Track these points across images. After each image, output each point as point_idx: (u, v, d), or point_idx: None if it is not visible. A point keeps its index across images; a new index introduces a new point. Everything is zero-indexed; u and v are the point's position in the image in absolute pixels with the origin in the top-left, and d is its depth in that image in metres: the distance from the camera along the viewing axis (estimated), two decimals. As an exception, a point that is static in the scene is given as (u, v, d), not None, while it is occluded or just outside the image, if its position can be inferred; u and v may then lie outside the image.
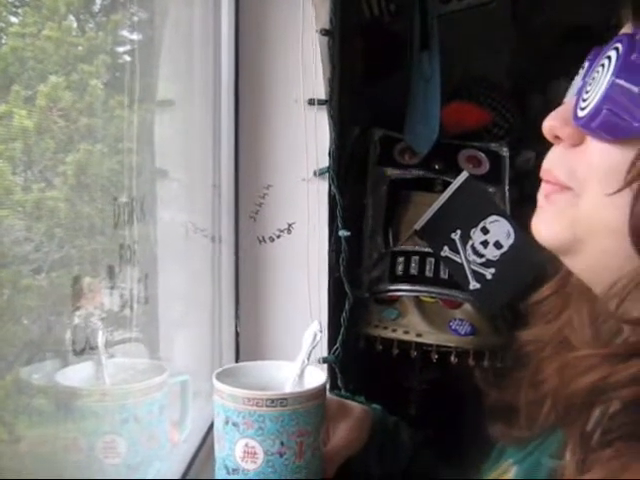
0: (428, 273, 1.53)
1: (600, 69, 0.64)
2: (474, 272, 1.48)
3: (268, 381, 0.89)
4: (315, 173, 1.30)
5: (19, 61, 0.69)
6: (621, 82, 0.61)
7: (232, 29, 1.29)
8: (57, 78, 0.75)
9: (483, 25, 1.84)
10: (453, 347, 1.47)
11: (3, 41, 0.68)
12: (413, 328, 1.48)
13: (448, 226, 1.49)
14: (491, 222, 1.48)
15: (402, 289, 1.53)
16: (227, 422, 0.81)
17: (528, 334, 0.80)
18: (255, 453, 0.80)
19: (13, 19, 0.70)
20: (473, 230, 1.48)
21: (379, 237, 1.58)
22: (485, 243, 1.48)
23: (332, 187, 1.30)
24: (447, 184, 1.53)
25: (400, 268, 1.54)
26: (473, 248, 1.48)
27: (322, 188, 1.31)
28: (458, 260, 1.49)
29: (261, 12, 1.30)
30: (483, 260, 1.48)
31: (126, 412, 0.86)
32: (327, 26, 1.28)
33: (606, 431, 0.62)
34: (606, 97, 0.61)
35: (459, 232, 1.48)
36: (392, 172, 1.60)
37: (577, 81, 0.71)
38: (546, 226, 0.69)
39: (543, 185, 0.69)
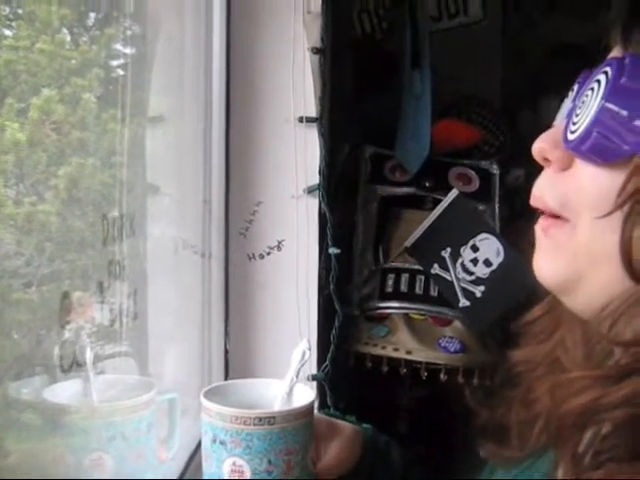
0: (418, 290, 1.53)
1: (590, 92, 0.64)
2: (464, 290, 1.48)
3: (257, 399, 0.89)
4: (305, 190, 1.30)
5: (12, 74, 0.69)
6: (611, 106, 0.61)
7: (223, 46, 1.29)
8: (50, 91, 0.75)
9: (474, 43, 1.85)
10: (442, 365, 1.47)
11: (-4, 54, 0.68)
12: (403, 345, 1.48)
13: (438, 243, 1.49)
14: (481, 240, 1.49)
15: (392, 306, 1.53)
16: (215, 440, 0.80)
17: (519, 354, 0.79)
18: (242, 472, 0.79)
19: (7, 32, 0.70)
20: (463, 248, 1.48)
21: (369, 254, 1.58)
22: (475, 261, 1.48)
23: (322, 204, 1.30)
24: (437, 202, 1.54)
25: (390, 285, 1.54)
26: (463, 266, 1.48)
27: (312, 205, 1.31)
28: (448, 278, 1.49)
29: (252, 29, 1.30)
30: (473, 278, 1.48)
31: (113, 429, 0.85)
32: (318, 44, 1.29)
33: (598, 452, 0.61)
34: (596, 121, 0.61)
35: (449, 250, 1.49)
36: (383, 189, 1.61)
37: (567, 104, 0.71)
38: (548, 264, 0.68)
39: (540, 220, 0.69)
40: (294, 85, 1.29)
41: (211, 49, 1.28)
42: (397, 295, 1.53)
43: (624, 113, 0.60)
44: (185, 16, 1.20)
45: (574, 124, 0.64)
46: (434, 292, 1.53)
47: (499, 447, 0.79)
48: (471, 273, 1.48)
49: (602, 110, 0.61)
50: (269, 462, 0.79)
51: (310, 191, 1.30)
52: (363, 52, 1.71)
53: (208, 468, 0.82)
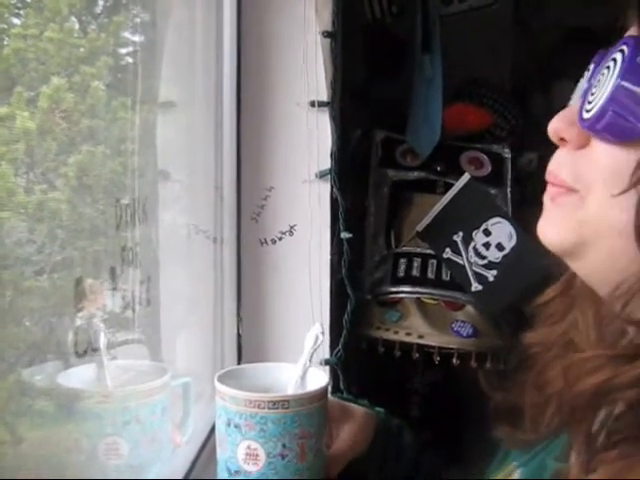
0: (430, 275, 1.53)
1: (605, 71, 0.64)
2: (476, 274, 1.48)
3: (270, 383, 0.89)
4: (317, 175, 1.30)
5: (21, 63, 0.69)
6: (626, 84, 0.61)
7: (234, 31, 1.29)
8: (59, 80, 0.75)
9: (485, 26, 1.84)
10: (455, 349, 1.47)
11: (5, 43, 0.68)
12: (415, 330, 1.48)
13: (450, 228, 1.49)
14: (493, 224, 1.48)
15: (404, 291, 1.53)
16: (229, 424, 0.81)
17: (533, 336, 0.80)
18: (257, 455, 0.80)
19: (15, 20, 0.70)
20: (475, 232, 1.48)
21: (381, 239, 1.57)
22: (487, 245, 1.48)
23: (334, 189, 1.30)
24: (449, 186, 1.53)
25: (402, 270, 1.54)
26: (475, 250, 1.48)
27: (324, 190, 1.31)
28: (460, 262, 1.48)
29: (263, 14, 1.30)
30: (485, 262, 1.48)
31: (128, 414, 0.86)
32: (329, 28, 1.28)
33: (611, 432, 0.62)
34: (611, 99, 0.61)
35: (461, 234, 1.48)
36: (394, 174, 1.60)
37: (582, 84, 0.71)
38: (552, 229, 0.69)
39: (549, 188, 0.69)
40: (305, 69, 1.29)
41: (222, 34, 1.27)
42: (409, 279, 1.53)
43: None
44: (195, 1, 1.20)
45: (589, 103, 0.65)
46: (446, 276, 1.53)
47: (513, 430, 0.79)
48: (483, 257, 1.48)
49: (617, 89, 0.61)
50: (283, 446, 0.80)
51: (322, 175, 1.30)
52: (374, 36, 1.70)
53: (222, 452, 0.83)
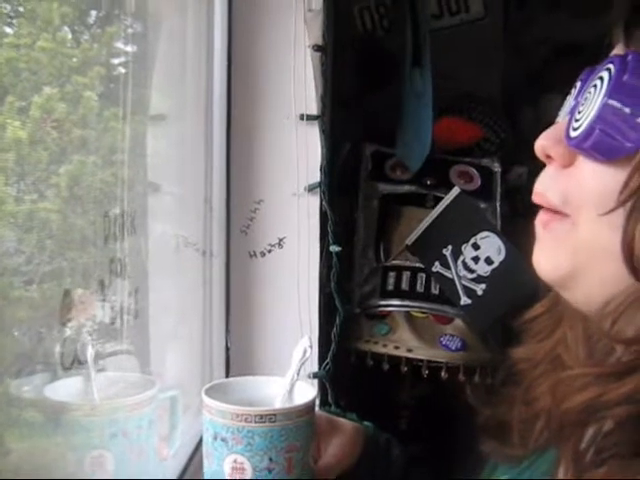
0: (419, 288, 1.54)
1: (592, 90, 0.64)
2: (465, 287, 1.48)
3: (258, 397, 0.89)
4: (306, 188, 1.30)
5: (13, 72, 0.69)
6: (613, 103, 0.61)
7: (225, 43, 1.29)
8: (51, 89, 0.75)
9: (475, 41, 1.85)
10: (444, 362, 1.47)
11: (-3, 52, 0.68)
12: (404, 343, 1.48)
13: (439, 241, 1.49)
14: (482, 238, 1.49)
15: (393, 304, 1.53)
16: (216, 438, 0.80)
17: (520, 352, 0.79)
18: (244, 469, 0.79)
19: (8, 30, 0.70)
20: (464, 246, 1.48)
21: (370, 252, 1.58)
22: (476, 259, 1.48)
23: (323, 202, 1.30)
24: (438, 199, 1.54)
25: (391, 283, 1.54)
26: (464, 264, 1.48)
27: (313, 203, 1.31)
28: (449, 275, 1.49)
29: (253, 27, 1.30)
30: (474, 276, 1.48)
31: (115, 427, 0.85)
32: (319, 42, 1.28)
33: (599, 450, 0.61)
34: (599, 118, 0.62)
35: (450, 247, 1.49)
36: (384, 187, 1.61)
37: (569, 101, 0.71)
38: (546, 258, 0.68)
39: (540, 214, 0.69)
40: (295, 83, 1.29)
41: (212, 47, 1.28)
42: (398, 293, 1.53)
43: (627, 110, 0.60)
44: (187, 14, 1.20)
45: (576, 121, 0.65)
46: (435, 290, 1.53)
47: (501, 445, 0.79)
48: (472, 271, 1.48)
49: (605, 107, 0.61)
50: (270, 460, 0.79)
51: (311, 189, 1.30)
52: (364, 50, 1.71)
53: (209, 465, 0.82)
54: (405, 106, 1.60)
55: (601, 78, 0.64)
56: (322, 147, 1.30)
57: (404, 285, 1.54)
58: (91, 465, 0.83)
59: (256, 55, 1.31)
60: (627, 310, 0.61)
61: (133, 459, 0.87)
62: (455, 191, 1.51)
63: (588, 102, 0.64)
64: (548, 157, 0.68)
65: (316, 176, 1.30)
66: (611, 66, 0.63)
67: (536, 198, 0.69)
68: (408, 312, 1.52)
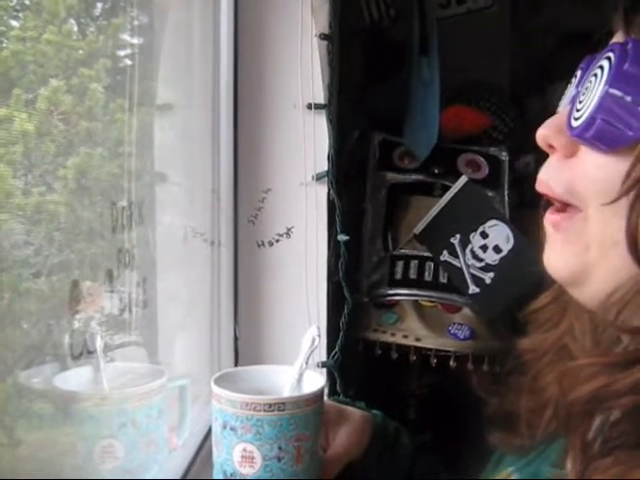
0: (427, 277, 1.53)
1: (593, 79, 0.64)
2: (473, 276, 1.48)
3: (267, 386, 0.89)
4: (314, 177, 1.30)
5: (20, 65, 0.69)
6: (614, 91, 0.61)
7: (231, 33, 1.29)
8: (58, 82, 0.75)
9: (482, 29, 1.84)
10: (452, 351, 1.47)
11: (4, 45, 0.68)
12: (412, 332, 1.48)
13: (447, 230, 1.49)
14: (490, 226, 1.48)
15: (401, 293, 1.53)
16: (225, 427, 0.81)
17: (527, 342, 0.79)
18: (253, 458, 0.79)
19: (14, 23, 0.70)
20: (472, 234, 1.48)
21: (378, 241, 1.58)
22: (484, 247, 1.48)
23: (331, 191, 1.30)
24: (446, 188, 1.54)
25: (399, 272, 1.54)
26: (472, 252, 1.48)
27: (321, 192, 1.31)
28: (457, 264, 1.49)
29: (260, 17, 1.30)
30: (482, 264, 1.48)
31: (124, 416, 0.86)
32: (326, 30, 1.28)
33: (607, 440, 0.61)
34: (600, 107, 0.61)
35: (458, 236, 1.49)
36: (391, 176, 1.60)
37: (570, 90, 0.71)
38: (557, 257, 0.68)
39: (549, 214, 0.69)
40: (302, 72, 1.29)
41: (219, 37, 1.27)
42: (406, 282, 1.53)
43: (628, 99, 0.60)
44: (193, 4, 1.20)
45: (577, 111, 0.64)
46: (443, 279, 1.53)
47: (508, 435, 0.79)
48: (480, 260, 1.48)
49: (606, 96, 0.61)
50: (279, 448, 0.79)
51: (319, 178, 1.30)
52: (371, 39, 1.71)
53: (218, 454, 0.83)
54: (412, 95, 1.60)
55: (601, 67, 0.64)
56: (329, 136, 1.30)
57: (412, 274, 1.54)
58: (101, 454, 0.84)
59: (263, 44, 1.30)
60: (632, 300, 0.61)
61: (143, 448, 0.88)
62: (463, 180, 1.51)
63: (589, 91, 0.64)
64: (550, 147, 0.68)
65: (324, 165, 1.30)
66: (611, 54, 0.63)
67: (540, 187, 0.69)
68: (416, 301, 1.52)
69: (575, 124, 0.64)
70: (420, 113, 1.58)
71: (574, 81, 0.70)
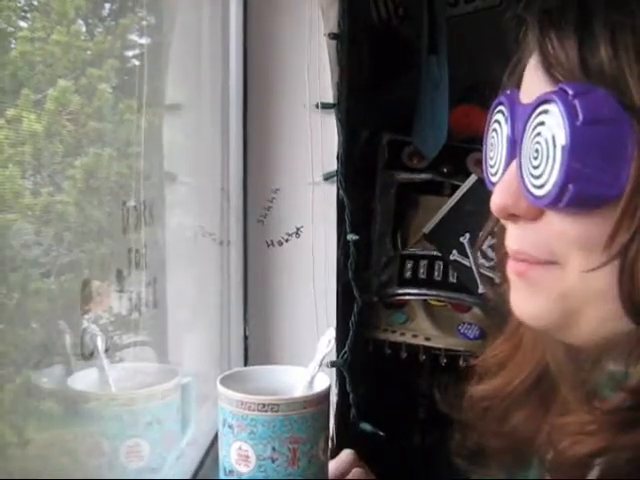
0: (437, 277, 1.53)
1: (494, 135, 0.60)
2: (483, 276, 1.48)
3: (276, 386, 0.89)
4: (323, 177, 1.30)
5: (28, 65, 0.69)
6: (577, 163, 0.53)
7: (240, 33, 1.29)
8: (66, 82, 0.75)
9: (491, 28, 1.84)
10: (462, 351, 1.47)
11: (13, 45, 0.69)
12: (422, 332, 1.48)
13: (457, 230, 1.49)
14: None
15: (411, 293, 1.53)
16: (224, 424, 0.81)
17: (483, 390, 0.75)
18: (248, 457, 0.80)
19: (22, 24, 0.71)
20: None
21: (387, 241, 1.58)
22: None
23: (340, 191, 1.30)
24: (456, 187, 1.53)
25: (409, 272, 1.54)
26: (482, 252, 1.48)
27: (330, 192, 1.31)
28: (467, 264, 1.48)
29: (269, 16, 1.30)
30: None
31: (150, 415, 0.86)
32: (335, 30, 1.28)
33: None
34: (568, 176, 0.54)
35: (468, 236, 1.48)
36: (401, 176, 1.60)
37: (495, 139, 0.66)
38: (526, 305, 0.62)
39: (512, 264, 0.62)
40: (311, 71, 1.29)
41: (228, 36, 1.28)
42: (416, 281, 1.53)
43: (599, 163, 0.53)
44: (202, 3, 1.20)
45: (537, 178, 0.56)
46: (453, 278, 1.53)
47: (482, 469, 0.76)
48: (490, 259, 1.48)
49: (570, 162, 0.53)
50: (273, 449, 0.79)
51: (328, 177, 1.30)
52: (380, 38, 1.70)
53: (220, 451, 0.83)
54: (422, 94, 1.59)
55: (498, 122, 0.59)
56: (338, 135, 1.30)
57: (422, 273, 1.54)
58: (127, 454, 0.84)
59: (272, 44, 1.30)
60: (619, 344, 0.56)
61: (166, 446, 0.89)
62: (472, 179, 1.50)
63: (541, 155, 0.56)
64: (512, 215, 0.60)
65: (333, 164, 1.30)
66: (502, 108, 0.60)
67: (517, 255, 0.61)
68: (426, 300, 1.52)
69: (539, 193, 0.56)
70: (429, 112, 1.57)
71: (496, 138, 0.65)
